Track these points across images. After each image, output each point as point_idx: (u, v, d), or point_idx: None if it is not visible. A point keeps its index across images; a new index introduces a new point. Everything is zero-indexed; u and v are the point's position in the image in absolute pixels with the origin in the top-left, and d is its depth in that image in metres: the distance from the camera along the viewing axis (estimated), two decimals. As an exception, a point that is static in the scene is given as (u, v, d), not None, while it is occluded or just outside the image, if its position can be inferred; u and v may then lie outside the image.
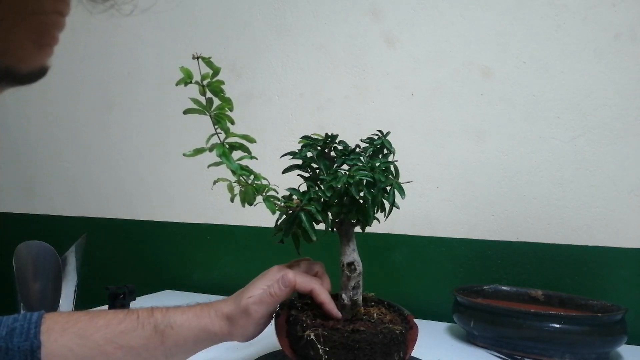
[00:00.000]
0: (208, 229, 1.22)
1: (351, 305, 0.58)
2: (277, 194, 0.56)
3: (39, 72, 0.27)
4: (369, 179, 0.56)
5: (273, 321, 0.59)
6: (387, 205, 0.58)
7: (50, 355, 0.48)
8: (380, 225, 0.62)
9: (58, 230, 1.40)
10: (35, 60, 0.26)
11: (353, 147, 0.62)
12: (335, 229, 0.60)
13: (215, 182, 0.54)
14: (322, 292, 0.57)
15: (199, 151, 0.51)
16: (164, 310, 0.55)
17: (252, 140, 0.53)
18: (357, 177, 0.55)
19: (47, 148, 1.44)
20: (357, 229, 0.61)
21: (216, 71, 0.49)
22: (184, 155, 0.50)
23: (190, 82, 0.49)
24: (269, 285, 0.56)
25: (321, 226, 0.58)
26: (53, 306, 0.73)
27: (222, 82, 0.50)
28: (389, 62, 1.06)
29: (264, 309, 0.55)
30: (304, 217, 0.55)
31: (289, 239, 0.59)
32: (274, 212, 0.56)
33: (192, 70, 0.49)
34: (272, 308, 0.57)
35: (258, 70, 1.18)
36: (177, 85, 0.48)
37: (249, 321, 0.55)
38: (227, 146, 0.52)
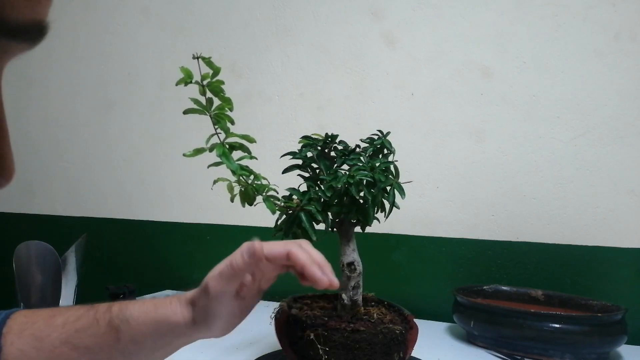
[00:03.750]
0: (208, 229, 1.22)
1: (351, 305, 0.58)
2: (277, 194, 0.56)
3: (34, 27, 0.21)
4: (369, 179, 0.56)
5: (273, 321, 0.59)
6: (387, 205, 0.58)
7: (5, 358, 0.44)
8: (380, 225, 0.62)
9: (58, 230, 1.39)
10: (26, 8, 0.20)
11: (353, 147, 0.63)
12: (335, 229, 0.60)
13: (215, 182, 0.54)
14: (300, 253, 0.46)
15: (199, 151, 0.51)
16: (123, 304, 0.49)
17: (252, 140, 0.53)
18: (357, 177, 0.55)
19: (47, 148, 1.44)
20: (357, 229, 0.61)
21: (216, 71, 0.49)
22: (184, 155, 0.50)
23: (191, 82, 0.49)
24: (231, 256, 0.48)
25: (321, 226, 0.58)
26: (53, 306, 0.73)
27: (222, 82, 0.50)
28: (389, 62, 1.06)
29: (223, 283, 0.46)
30: (304, 217, 0.55)
31: (289, 239, 0.59)
32: (274, 212, 0.56)
33: (192, 70, 0.49)
34: (233, 283, 0.47)
35: (258, 70, 1.18)
36: (177, 85, 0.48)
37: (208, 300, 0.46)
38: (227, 146, 0.52)
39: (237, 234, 1.18)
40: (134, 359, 0.48)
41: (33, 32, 0.22)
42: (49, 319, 0.48)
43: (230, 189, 0.54)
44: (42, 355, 0.46)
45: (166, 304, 0.48)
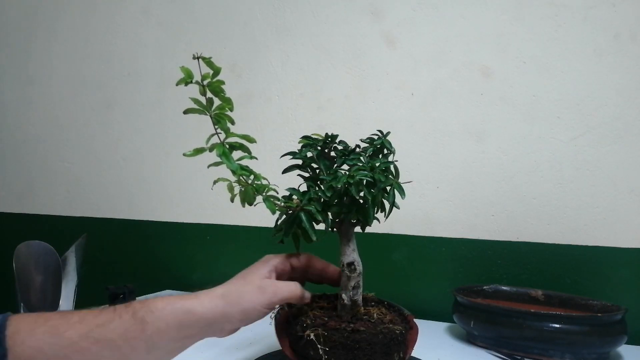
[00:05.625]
0: (208, 229, 1.22)
1: (351, 305, 0.58)
2: (277, 194, 0.56)
3: None
4: (369, 179, 0.56)
5: (273, 321, 0.59)
6: (387, 205, 0.58)
7: None
8: (380, 225, 0.62)
9: (58, 230, 1.40)
10: None
11: (353, 147, 0.63)
12: (335, 229, 0.60)
13: (215, 182, 0.54)
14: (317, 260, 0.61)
15: (199, 151, 0.51)
16: (143, 300, 0.50)
17: (252, 140, 0.53)
18: (357, 177, 0.55)
19: (47, 148, 1.44)
20: (357, 229, 0.61)
21: (217, 71, 0.49)
22: (184, 155, 0.50)
23: (191, 82, 0.49)
24: (296, 284, 0.56)
25: (321, 226, 0.58)
26: (53, 306, 0.73)
27: (223, 82, 0.50)
28: (389, 62, 1.06)
29: (279, 292, 0.54)
30: (304, 217, 0.55)
31: (289, 239, 0.59)
32: (274, 212, 0.56)
33: (192, 70, 0.49)
34: (277, 301, 0.54)
35: (258, 70, 1.18)
36: (177, 85, 0.48)
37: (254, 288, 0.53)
38: (227, 146, 0.52)
39: (237, 234, 1.18)
40: (155, 350, 0.48)
41: None
42: (63, 317, 0.48)
43: (230, 189, 0.54)
44: (59, 352, 0.45)
45: (192, 297, 0.50)
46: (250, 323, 0.53)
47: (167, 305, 0.49)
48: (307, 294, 0.58)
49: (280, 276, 0.58)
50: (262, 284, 0.53)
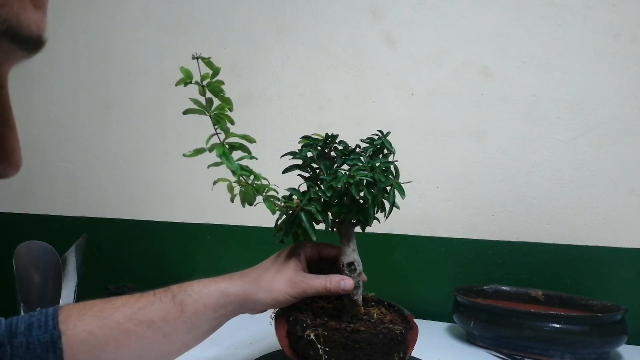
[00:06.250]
0: (208, 229, 1.22)
1: (351, 305, 0.58)
2: (277, 194, 0.56)
3: (37, 41, 0.27)
4: (369, 179, 0.56)
5: (273, 321, 0.59)
6: (387, 205, 0.58)
7: (71, 342, 0.47)
8: (380, 225, 0.62)
9: (58, 230, 1.39)
10: (33, 22, 0.26)
11: (353, 147, 0.62)
12: (335, 229, 0.60)
13: (215, 182, 0.54)
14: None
15: (198, 151, 0.51)
16: (179, 284, 0.55)
17: (252, 140, 0.53)
18: (357, 177, 0.55)
19: (47, 148, 1.44)
20: (357, 229, 0.61)
21: (216, 71, 0.49)
22: (184, 155, 0.50)
23: (190, 83, 0.49)
24: (326, 279, 0.56)
25: (321, 226, 0.58)
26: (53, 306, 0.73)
27: (222, 82, 0.50)
28: (389, 62, 1.06)
29: (309, 290, 0.55)
30: (304, 217, 0.55)
31: (289, 238, 0.59)
32: (274, 212, 0.56)
33: (191, 70, 0.49)
34: (309, 295, 0.56)
35: (258, 70, 1.18)
36: (176, 85, 0.48)
37: (286, 287, 0.55)
38: (227, 146, 0.52)
39: (237, 234, 1.18)
40: (194, 329, 0.52)
41: (36, 45, 0.28)
42: (107, 302, 0.51)
43: (231, 189, 0.54)
44: (107, 333, 0.49)
45: (225, 279, 0.55)
46: (280, 307, 0.57)
47: (203, 288, 0.53)
48: (345, 285, 0.57)
49: (310, 263, 0.61)
50: (293, 277, 0.56)
